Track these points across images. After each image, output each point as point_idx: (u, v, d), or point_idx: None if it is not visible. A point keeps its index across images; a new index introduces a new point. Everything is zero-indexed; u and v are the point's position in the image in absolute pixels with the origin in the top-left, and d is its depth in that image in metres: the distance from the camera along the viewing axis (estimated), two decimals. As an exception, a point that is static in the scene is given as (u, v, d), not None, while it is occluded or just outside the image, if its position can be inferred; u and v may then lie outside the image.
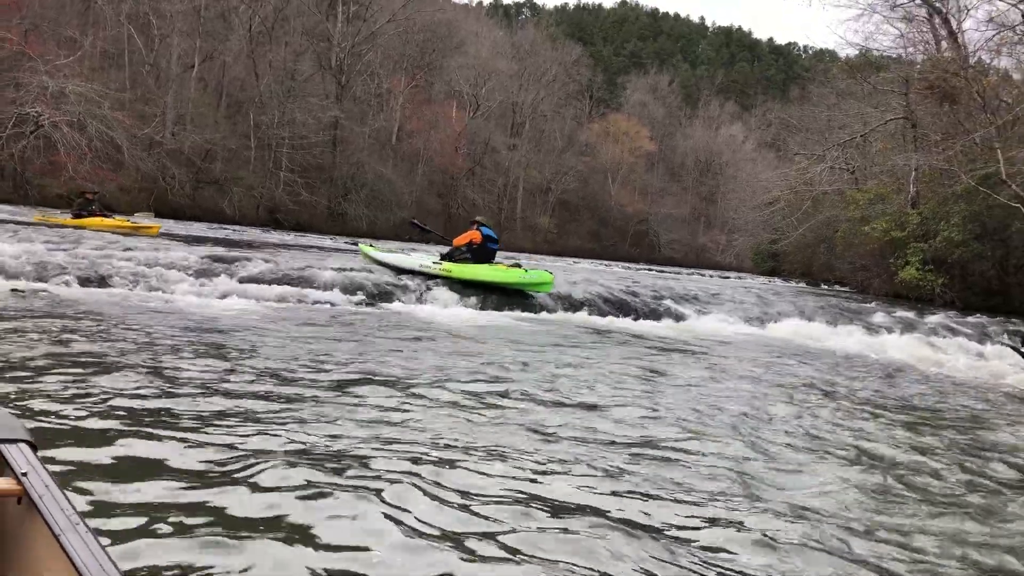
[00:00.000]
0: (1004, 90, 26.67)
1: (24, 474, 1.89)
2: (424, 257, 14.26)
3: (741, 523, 3.60)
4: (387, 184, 54.13)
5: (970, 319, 17.64)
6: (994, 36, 26.39)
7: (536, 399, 5.96)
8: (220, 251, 14.76)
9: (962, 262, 23.98)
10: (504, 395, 5.98)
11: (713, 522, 3.60)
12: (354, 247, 28.93)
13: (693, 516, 3.66)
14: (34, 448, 2.03)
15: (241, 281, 11.64)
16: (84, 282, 10.07)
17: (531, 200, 70.49)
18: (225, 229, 32.50)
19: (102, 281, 10.25)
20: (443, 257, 13.96)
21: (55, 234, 14.77)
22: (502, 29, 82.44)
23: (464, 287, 13.24)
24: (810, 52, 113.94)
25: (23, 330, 6.52)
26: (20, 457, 1.96)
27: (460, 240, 13.90)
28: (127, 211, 21.01)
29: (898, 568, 3.28)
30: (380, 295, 12.42)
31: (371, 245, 15.14)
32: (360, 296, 12.16)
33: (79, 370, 5.22)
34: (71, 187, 34.50)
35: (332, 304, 11.34)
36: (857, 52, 34.49)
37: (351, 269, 13.68)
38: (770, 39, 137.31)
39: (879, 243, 26.83)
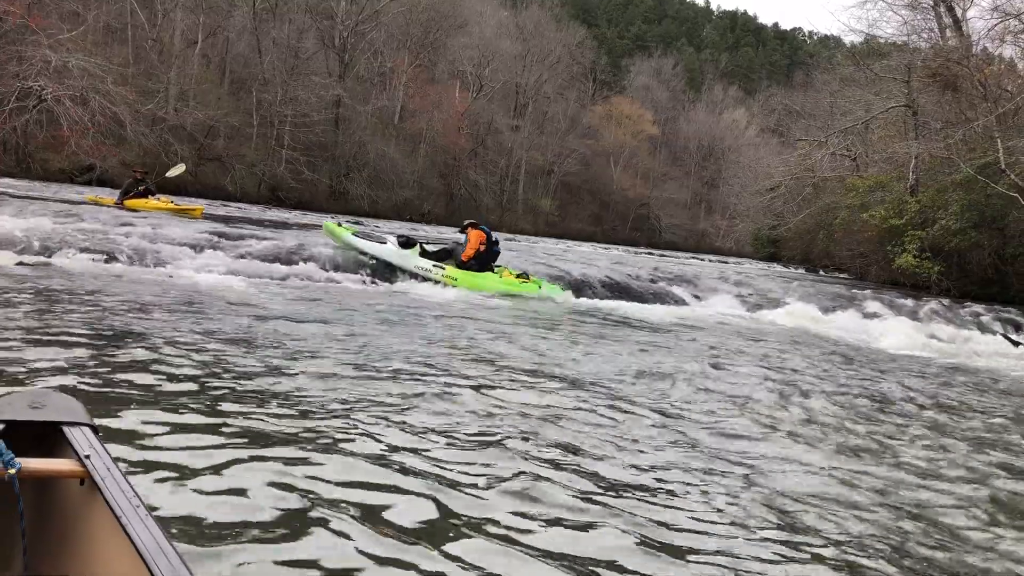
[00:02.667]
0: (1007, 79, 26.71)
1: (87, 456, 1.95)
2: (412, 254, 12.67)
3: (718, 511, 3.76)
4: (389, 163, 54.09)
5: (964, 307, 17.79)
6: (997, 24, 26.38)
7: (528, 375, 6.12)
8: (222, 228, 14.90)
9: (959, 250, 24.09)
10: (488, 365, 6.15)
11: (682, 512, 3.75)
12: (356, 226, 29.05)
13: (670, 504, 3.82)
14: (96, 431, 2.08)
15: (243, 257, 11.80)
16: (89, 255, 10.20)
17: (533, 182, 70.40)
18: (227, 206, 32.60)
19: (106, 256, 10.38)
20: (443, 255, 12.81)
21: (65, 210, 14.88)
22: (506, 9, 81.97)
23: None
24: (815, 38, 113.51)
25: (40, 304, 6.67)
26: (83, 440, 2.01)
27: (469, 253, 12.62)
28: (120, 183, 20.87)
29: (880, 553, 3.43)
30: (382, 274, 12.57)
31: (339, 224, 13.16)
32: (360, 274, 12.32)
33: (110, 347, 5.33)
34: (73, 162, 34.60)
35: (330, 282, 11.49)
36: (861, 39, 34.49)
37: (350, 248, 13.80)
38: (775, 24, 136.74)
39: (878, 230, 26.93)
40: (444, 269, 12.36)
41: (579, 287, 14.06)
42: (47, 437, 2.06)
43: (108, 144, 35.52)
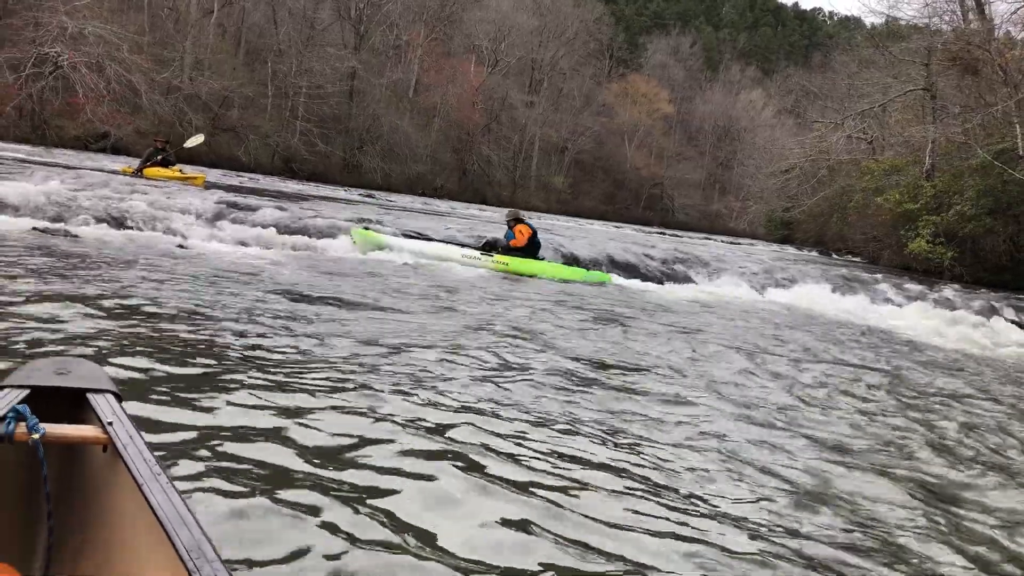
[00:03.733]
0: (1028, 64, 26.39)
1: (110, 423, 1.97)
2: (456, 248, 12.80)
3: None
4: (403, 137, 54.01)
5: (977, 293, 17.71)
6: (1020, 8, 26.03)
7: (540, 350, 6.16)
8: (236, 198, 14.94)
9: (973, 236, 23.92)
10: (503, 339, 6.19)
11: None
12: (369, 199, 29.23)
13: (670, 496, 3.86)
14: (119, 399, 2.11)
15: (253, 226, 11.85)
16: (102, 223, 10.28)
17: (546, 159, 70.18)
18: (240, 176, 32.65)
19: (119, 223, 10.46)
20: (487, 247, 12.97)
21: (81, 176, 14.94)
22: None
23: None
24: (835, 19, 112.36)
25: (57, 270, 6.74)
26: (106, 407, 2.04)
27: (520, 240, 12.97)
28: (142, 154, 20.88)
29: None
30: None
31: (366, 228, 12.83)
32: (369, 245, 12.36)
33: (128, 314, 5.38)
34: (88, 129, 34.68)
35: (344, 254, 11.54)
36: (881, 20, 34.12)
37: (363, 219, 13.86)
38: (795, 3, 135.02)
39: (892, 214, 26.77)
40: (493, 256, 12.60)
41: (608, 268, 14.30)
42: (72, 404, 2.09)
43: (123, 112, 35.59)
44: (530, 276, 12.42)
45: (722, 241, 40.88)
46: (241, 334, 5.19)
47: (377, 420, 3.78)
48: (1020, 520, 3.72)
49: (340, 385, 4.29)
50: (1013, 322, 14.47)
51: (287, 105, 48.34)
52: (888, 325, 12.56)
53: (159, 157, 19.47)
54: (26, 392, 2.00)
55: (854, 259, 33.29)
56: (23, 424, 1.87)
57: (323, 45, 50.38)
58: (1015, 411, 6.43)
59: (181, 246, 9.73)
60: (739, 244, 38.66)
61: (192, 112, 41.45)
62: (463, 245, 13.14)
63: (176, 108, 40.64)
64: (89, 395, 2.08)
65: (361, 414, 3.84)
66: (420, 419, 3.90)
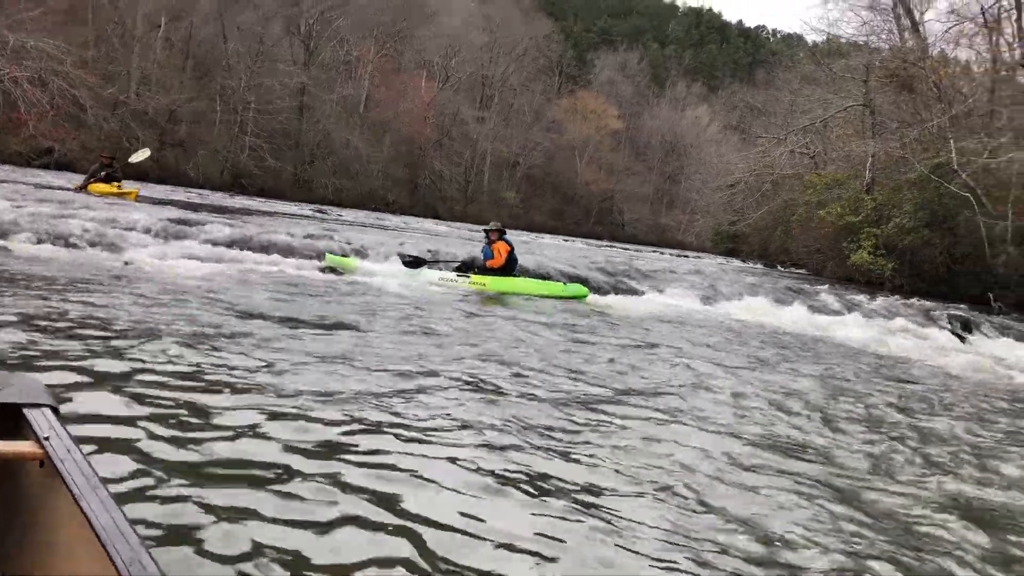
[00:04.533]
0: (961, 81, 27.35)
1: (46, 438, 1.92)
2: (432, 271, 12.72)
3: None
4: (354, 152, 53.88)
5: (915, 303, 18.25)
6: (953, 27, 26.99)
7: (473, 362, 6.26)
8: (183, 214, 14.85)
9: (912, 248, 24.67)
10: (438, 353, 6.29)
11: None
12: (319, 214, 29.10)
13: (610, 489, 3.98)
14: (57, 412, 2.05)
15: (202, 243, 11.79)
16: (44, 240, 10.14)
17: (498, 174, 70.50)
18: (189, 192, 32.30)
19: (63, 240, 10.33)
20: (462, 268, 12.94)
21: (21, 192, 14.72)
22: (474, 1, 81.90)
23: None
24: (778, 36, 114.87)
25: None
26: (43, 421, 1.98)
27: (499, 260, 12.81)
28: (87, 169, 20.61)
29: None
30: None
31: (342, 255, 12.68)
32: (322, 262, 12.37)
33: (70, 331, 5.36)
34: (31, 145, 34.03)
35: (291, 270, 11.52)
36: (822, 38, 35.07)
37: (314, 236, 13.86)
38: (739, 21, 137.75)
39: (834, 227, 27.48)
40: (469, 277, 12.53)
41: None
42: (7, 419, 2.04)
43: (67, 127, 35.01)
44: (507, 294, 12.30)
45: (671, 254, 41.45)
46: (187, 350, 5.18)
47: (330, 437, 3.82)
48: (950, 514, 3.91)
49: (291, 402, 4.30)
50: (948, 330, 14.96)
51: (236, 120, 47.92)
52: (831, 334, 12.90)
53: (103, 173, 19.27)
54: None
55: (798, 271, 33.99)
56: None
57: (273, 60, 50.11)
58: (954, 414, 6.70)
59: (127, 263, 9.64)
60: (687, 257, 39.26)
61: (139, 127, 40.90)
62: (435, 262, 13.03)
63: (123, 123, 40.06)
64: (25, 410, 2.02)
65: (311, 430, 3.87)
66: (375, 436, 3.97)
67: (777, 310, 15.15)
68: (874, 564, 3.18)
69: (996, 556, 3.45)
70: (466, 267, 13.00)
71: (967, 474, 4.77)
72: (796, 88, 39.06)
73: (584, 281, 14.55)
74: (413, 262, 12.65)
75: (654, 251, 45.05)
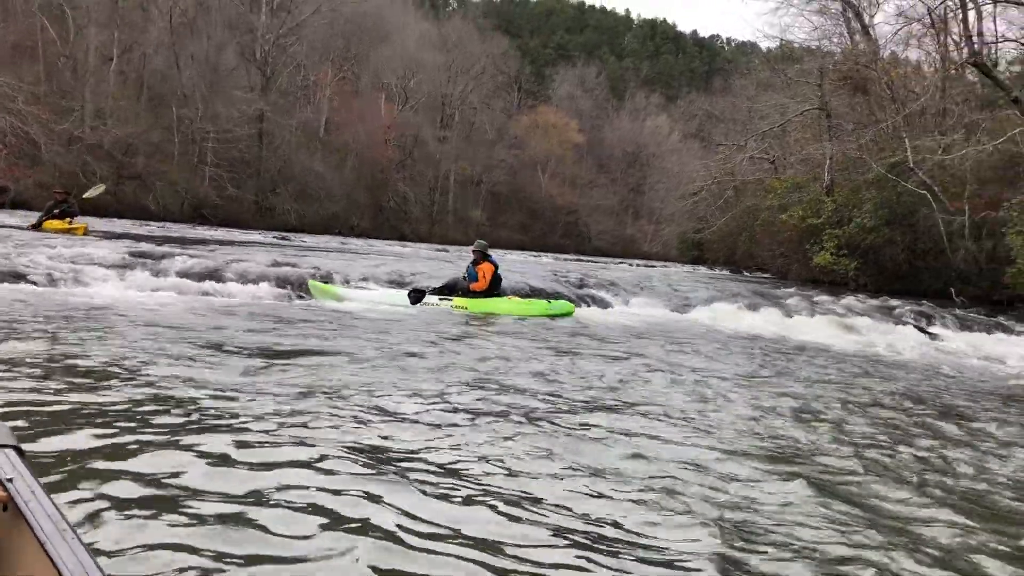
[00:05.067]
0: (913, 81, 27.86)
1: (10, 480, 1.85)
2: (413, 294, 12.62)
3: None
4: (316, 177, 53.63)
5: (879, 301, 18.48)
6: (901, 29, 27.50)
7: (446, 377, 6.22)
8: (144, 247, 14.67)
9: (874, 247, 24.99)
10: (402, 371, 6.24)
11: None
12: (283, 242, 28.90)
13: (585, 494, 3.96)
14: (21, 453, 1.98)
15: (165, 276, 11.65)
16: (6, 279, 9.95)
17: (462, 192, 70.54)
18: (149, 225, 31.91)
19: (21, 278, 10.15)
20: (445, 291, 12.82)
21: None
22: (429, 21, 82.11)
23: None
24: (732, 45, 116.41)
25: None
26: (6, 463, 1.91)
27: (483, 284, 12.79)
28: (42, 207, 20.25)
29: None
30: (306, 288, 12.53)
31: (325, 282, 12.73)
32: (286, 289, 12.27)
33: (34, 370, 5.25)
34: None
35: (255, 298, 11.41)
36: (776, 44, 35.60)
37: (276, 263, 13.75)
38: (694, 31, 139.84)
39: (797, 230, 27.80)
40: (452, 300, 12.47)
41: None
42: None
43: (22, 165, 34.50)
44: (491, 315, 12.15)
45: (638, 265, 41.65)
46: (154, 386, 5.10)
47: (304, 470, 3.72)
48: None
49: (268, 434, 4.22)
50: (912, 325, 15.15)
51: (195, 151, 47.50)
52: (797, 335, 13.01)
53: (57, 210, 19.01)
54: None
55: (764, 275, 34.31)
56: None
57: (229, 89, 49.78)
58: (926, 406, 6.77)
59: (90, 298, 9.48)
60: (653, 267, 39.47)
61: (95, 162, 40.38)
62: (412, 292, 12.73)
63: (78, 158, 39.52)
64: None
65: (289, 463, 3.78)
66: (359, 469, 3.90)
67: (745, 314, 15.26)
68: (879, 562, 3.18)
69: (998, 552, 3.46)
70: (449, 289, 12.84)
71: (961, 470, 4.81)
72: (753, 94, 39.63)
73: (558, 297, 14.52)
74: (418, 297, 12.47)
75: (621, 262, 45.27)
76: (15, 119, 32.81)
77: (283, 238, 33.11)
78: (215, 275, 12.11)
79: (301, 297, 12.05)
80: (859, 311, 16.55)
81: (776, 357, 9.84)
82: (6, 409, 4.15)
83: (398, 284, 14.00)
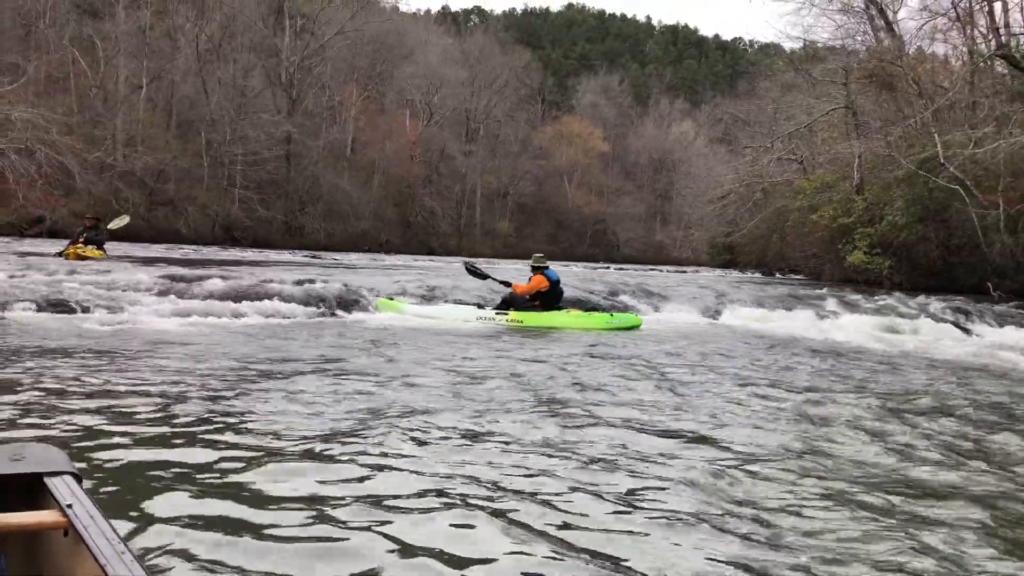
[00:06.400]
0: (941, 75, 27.54)
1: (69, 506, 1.90)
2: (473, 309, 12.72)
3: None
4: (343, 196, 54.19)
5: (916, 299, 18.23)
6: (926, 23, 27.22)
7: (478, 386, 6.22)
8: (178, 271, 14.85)
9: (907, 244, 24.70)
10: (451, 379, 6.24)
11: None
12: (314, 260, 29.18)
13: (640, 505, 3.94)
14: (79, 480, 2.05)
15: (200, 299, 11.78)
16: (43, 309, 10.13)
17: (489, 205, 70.83)
18: (182, 249, 32.36)
19: (64, 307, 10.32)
20: (503, 305, 12.73)
21: (16, 264, 14.74)
22: (451, 37, 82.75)
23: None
24: (755, 47, 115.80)
25: (3, 360, 6.65)
26: (64, 489, 1.97)
27: (525, 288, 12.66)
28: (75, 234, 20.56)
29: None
30: (339, 305, 12.62)
31: (391, 298, 13.02)
32: (320, 307, 12.36)
33: (82, 396, 5.31)
34: (22, 215, 34.16)
35: (291, 317, 11.51)
36: (799, 45, 35.39)
37: (307, 281, 13.87)
38: (716, 35, 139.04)
39: (828, 230, 27.55)
40: (507, 315, 12.30)
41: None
42: (29, 489, 2.04)
43: (57, 194, 35.16)
44: (549, 329, 11.83)
45: (669, 271, 41.48)
46: (200, 407, 5.15)
47: (366, 486, 3.67)
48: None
49: (316, 455, 4.17)
50: (949, 322, 14.93)
51: (224, 174, 48.18)
52: (836, 337, 12.86)
53: (83, 236, 19.21)
54: None
55: (796, 276, 34.01)
56: None
57: (256, 112, 50.47)
58: (970, 404, 6.65)
59: (127, 324, 9.62)
60: (685, 272, 39.29)
61: (127, 188, 41.12)
62: (480, 306, 12.84)
63: (111, 186, 40.25)
64: (47, 479, 2.02)
65: (345, 483, 3.72)
66: (417, 489, 3.90)
67: (781, 317, 15.14)
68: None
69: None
70: (506, 304, 12.72)
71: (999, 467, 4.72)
72: (778, 96, 39.38)
73: (595, 306, 14.31)
74: (475, 271, 13.32)
75: (651, 269, 45.10)
76: (50, 150, 33.42)
77: (314, 256, 33.43)
78: (249, 296, 12.22)
79: (333, 315, 12.13)
80: (895, 310, 16.33)
81: (821, 362, 9.73)
82: (59, 435, 4.22)
83: (435, 299, 14.03)
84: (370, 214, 56.31)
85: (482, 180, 68.71)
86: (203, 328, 9.64)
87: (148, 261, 19.66)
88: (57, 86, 43.39)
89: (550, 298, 12.68)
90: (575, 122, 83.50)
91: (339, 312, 12.31)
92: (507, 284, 13.04)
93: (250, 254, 32.27)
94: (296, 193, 52.22)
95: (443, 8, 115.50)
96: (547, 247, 68.99)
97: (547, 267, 12.92)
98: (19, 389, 5.35)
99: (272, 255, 32.68)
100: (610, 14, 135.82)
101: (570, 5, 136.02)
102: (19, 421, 4.49)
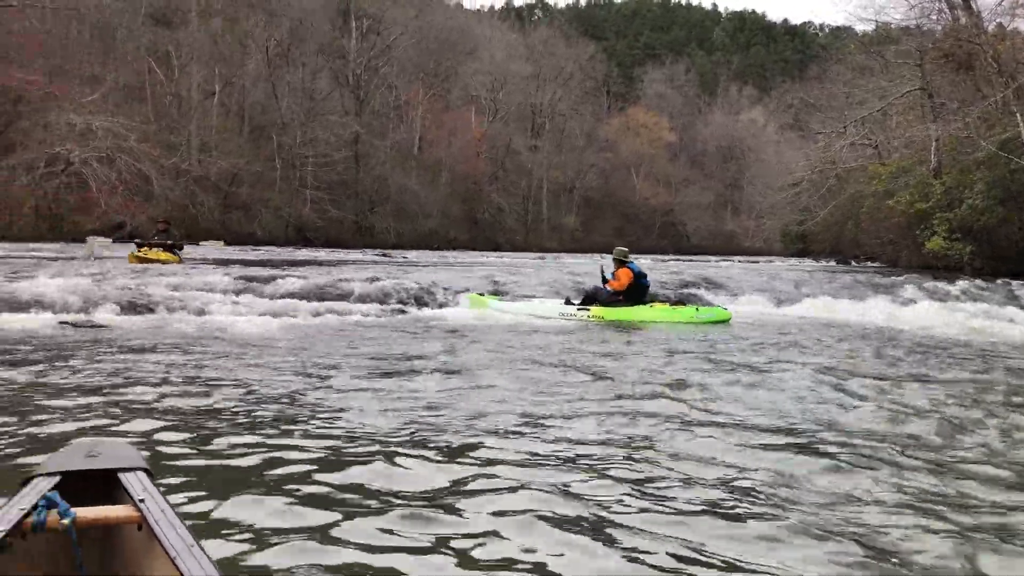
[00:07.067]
0: (1022, 52, 26.48)
1: (142, 501, 1.96)
2: (558, 304, 12.62)
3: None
4: (411, 195, 54.75)
5: (997, 285, 17.62)
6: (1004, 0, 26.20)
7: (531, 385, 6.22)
8: (254, 271, 15.21)
9: (988, 228, 23.85)
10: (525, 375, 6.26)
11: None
12: (384, 258, 29.60)
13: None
14: (151, 475, 2.11)
15: (277, 299, 12.05)
16: (128, 310, 10.48)
17: (555, 200, 70.73)
18: (257, 251, 33.10)
19: (145, 308, 10.67)
20: (587, 300, 12.53)
21: (101, 267, 15.30)
22: (515, 31, 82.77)
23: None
24: (825, 31, 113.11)
25: (86, 359, 6.91)
26: (138, 485, 2.03)
27: (618, 284, 12.34)
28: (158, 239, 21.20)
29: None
30: (410, 301, 12.78)
31: (482, 295, 13.12)
32: (392, 304, 12.53)
33: (158, 394, 5.48)
34: (104, 221, 35.39)
35: (367, 315, 11.69)
36: (871, 27, 34.43)
37: (379, 279, 14.06)
38: (784, 20, 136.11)
39: (904, 216, 26.79)
40: (589, 311, 12.09)
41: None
42: (104, 485, 2.10)
43: (136, 201, 36.32)
44: (634, 324, 11.61)
45: (740, 261, 40.84)
46: (275, 405, 5.23)
47: (449, 489, 3.60)
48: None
49: (394, 455, 4.11)
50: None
51: (295, 176, 49.16)
52: (921, 326, 12.48)
53: (155, 238, 19.96)
54: (57, 479, 2.01)
55: (873, 264, 33.15)
56: (54, 511, 1.88)
57: (325, 114, 51.36)
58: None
59: (206, 324, 9.90)
60: (757, 262, 38.63)
61: (203, 193, 42.24)
62: (567, 302, 12.65)
63: (187, 191, 41.40)
64: (120, 474, 2.08)
65: (426, 483, 3.67)
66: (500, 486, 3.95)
67: (861, 306, 14.77)
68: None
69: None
70: (590, 299, 12.53)
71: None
72: (850, 80, 38.34)
73: (680, 300, 14.05)
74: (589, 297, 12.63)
75: (722, 260, 44.47)
76: (129, 157, 34.55)
77: (384, 255, 33.87)
78: (324, 295, 12.47)
79: (403, 312, 12.28)
80: (978, 297, 15.81)
81: (912, 354, 9.47)
82: (132, 430, 4.36)
83: (513, 295, 14.10)
84: (437, 212, 56.79)
85: (548, 175, 68.65)
86: (281, 327, 9.85)
87: (224, 262, 20.18)
88: (135, 96, 44.82)
89: (635, 292, 12.35)
90: (641, 113, 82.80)
91: (414, 309, 12.47)
92: (604, 280, 12.75)
93: (323, 254, 32.83)
94: (365, 193, 52.96)
95: (507, 3, 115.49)
96: (614, 240, 68.47)
97: (630, 260, 12.65)
98: (99, 387, 5.54)
99: (344, 254, 33.18)
100: (675, 2, 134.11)
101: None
102: (99, 418, 4.65)
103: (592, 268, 17.74)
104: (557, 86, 71.28)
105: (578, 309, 12.20)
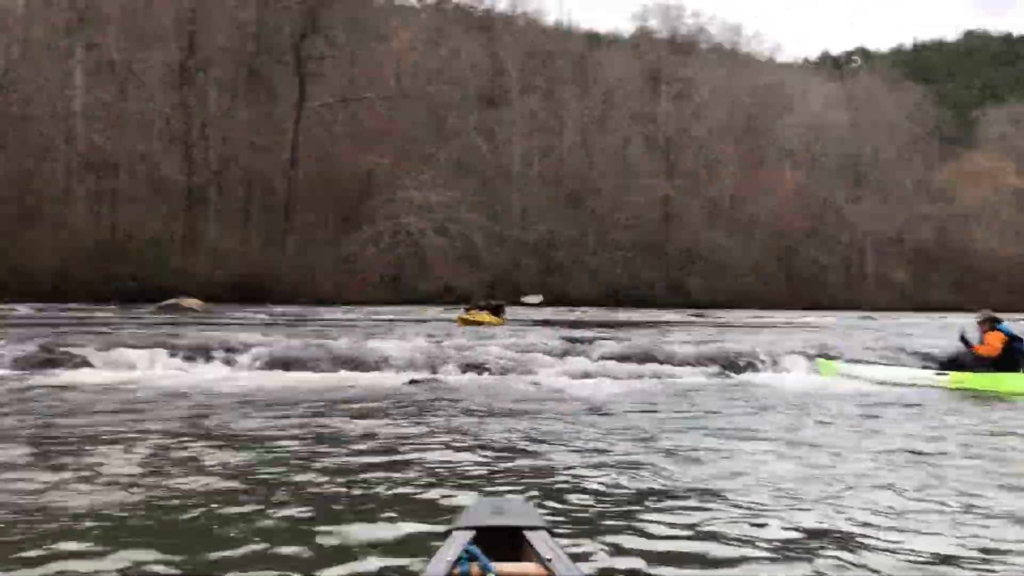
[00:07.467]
0: None
1: (548, 559, 2.03)
2: (915, 370, 11.63)
3: None
4: (724, 252, 53.91)
5: None
6: None
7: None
8: (573, 333, 15.64)
9: None
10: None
11: None
12: (698, 319, 29.24)
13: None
14: (552, 535, 2.19)
15: (598, 360, 12.22)
16: (465, 370, 11.18)
17: (881, 254, 66.07)
18: (573, 311, 34.15)
19: (479, 368, 11.30)
20: (947, 365, 11.18)
21: (438, 330, 16.55)
22: (834, 81, 79.34)
23: None
24: None
25: (447, 416, 7.41)
26: (543, 544, 2.12)
27: (987, 349, 10.77)
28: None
29: None
30: (731, 366, 12.36)
31: (830, 359, 12.38)
32: (713, 367, 12.20)
33: (519, 453, 5.69)
34: (437, 285, 38.56)
35: (691, 378, 11.47)
36: None
37: (699, 341, 13.81)
38: None
39: None
40: (948, 375, 10.83)
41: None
42: (510, 542, 2.20)
43: (464, 266, 39.20)
44: (999, 395, 10.08)
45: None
46: (642, 466, 5.15)
47: None
48: None
49: (739, 527, 3.86)
50: None
51: (608, 239, 50.41)
52: None
53: (480, 304, 21.29)
54: (472, 533, 2.15)
55: None
56: (475, 564, 2.01)
57: (635, 176, 52.39)
58: None
59: (535, 384, 10.25)
60: None
61: (523, 256, 44.64)
62: (927, 367, 11.54)
63: (509, 256, 43.97)
64: (525, 532, 2.18)
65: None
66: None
67: None
68: None
69: None
70: (950, 363, 11.18)
71: None
72: None
73: None
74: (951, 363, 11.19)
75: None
76: (459, 227, 37.49)
77: (697, 315, 33.46)
78: (646, 357, 12.45)
79: (725, 376, 11.88)
80: None
81: None
82: (515, 490, 4.45)
83: (847, 358, 13.17)
84: (751, 270, 55.28)
85: (872, 227, 64.37)
86: (604, 389, 9.93)
87: (544, 323, 20.99)
88: (465, 170, 48.77)
89: (1008, 360, 10.65)
90: (980, 158, 75.27)
91: (740, 373, 12.03)
92: (968, 345, 11.14)
93: (636, 315, 33.09)
94: (676, 252, 53.00)
95: (823, 53, 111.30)
96: (952, 296, 62.40)
97: (1000, 320, 11.05)
98: (468, 443, 5.84)
99: (655, 315, 33.20)
100: (1018, 36, 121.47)
101: (968, 32, 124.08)
102: (478, 472, 4.86)
103: (930, 329, 16.03)
104: (880, 135, 67.07)
105: (936, 374, 10.93)
